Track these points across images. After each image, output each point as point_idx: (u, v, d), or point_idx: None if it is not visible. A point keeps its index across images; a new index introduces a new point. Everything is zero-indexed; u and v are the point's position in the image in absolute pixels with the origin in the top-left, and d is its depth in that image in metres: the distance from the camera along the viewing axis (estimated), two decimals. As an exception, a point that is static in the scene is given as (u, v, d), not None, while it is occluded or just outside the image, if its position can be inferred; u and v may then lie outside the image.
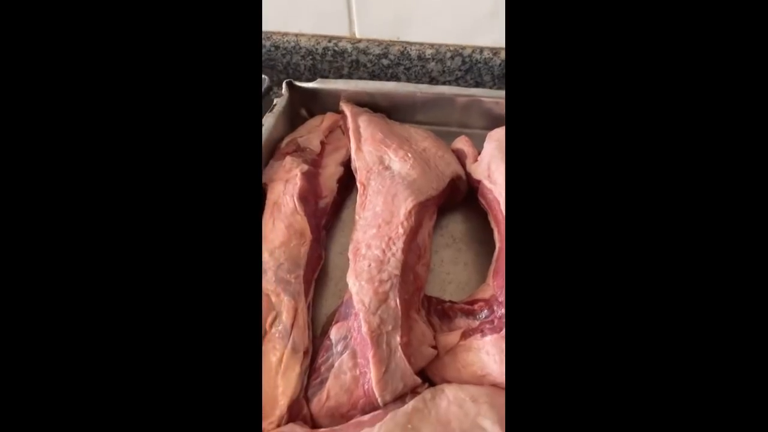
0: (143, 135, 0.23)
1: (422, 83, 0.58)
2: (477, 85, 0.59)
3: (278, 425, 0.35)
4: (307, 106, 0.57)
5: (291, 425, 0.35)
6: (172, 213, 0.23)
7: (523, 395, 0.20)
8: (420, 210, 0.42)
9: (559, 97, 0.22)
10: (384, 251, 0.39)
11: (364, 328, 0.36)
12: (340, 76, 0.61)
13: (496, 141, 0.47)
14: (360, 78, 0.61)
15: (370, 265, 0.39)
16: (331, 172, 0.51)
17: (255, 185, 0.26)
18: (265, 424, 0.36)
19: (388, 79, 0.60)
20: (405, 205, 0.41)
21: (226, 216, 0.23)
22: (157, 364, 0.21)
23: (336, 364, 0.37)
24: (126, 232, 0.22)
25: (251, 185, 0.25)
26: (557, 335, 0.21)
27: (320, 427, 0.37)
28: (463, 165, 0.48)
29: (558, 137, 0.22)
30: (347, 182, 0.52)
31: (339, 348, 0.38)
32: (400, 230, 0.40)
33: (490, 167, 0.45)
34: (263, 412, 0.37)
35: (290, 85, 0.54)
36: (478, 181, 0.46)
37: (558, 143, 0.22)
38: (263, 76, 0.55)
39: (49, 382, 0.20)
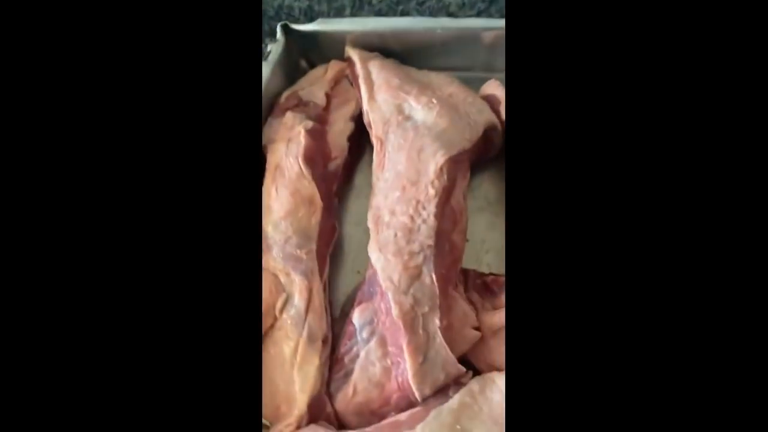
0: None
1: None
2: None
3: (298, 427, 0.30)
4: (307, 55, 0.49)
5: (313, 426, 0.30)
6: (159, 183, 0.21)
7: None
8: (452, 166, 0.35)
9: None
10: (412, 217, 0.33)
11: (395, 311, 0.30)
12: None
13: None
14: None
15: (396, 235, 0.33)
16: (339, 128, 0.44)
17: (254, 149, 0.23)
18: (281, 427, 0.30)
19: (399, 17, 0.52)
20: (434, 160, 0.34)
21: (220, 185, 0.21)
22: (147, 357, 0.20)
23: (362, 354, 0.32)
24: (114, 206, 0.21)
25: (250, 147, 0.23)
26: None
27: (347, 427, 0.31)
28: (497, 113, 0.41)
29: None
30: (360, 141, 0.44)
31: (364, 335, 0.32)
32: (431, 191, 0.33)
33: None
34: (279, 412, 0.31)
35: (286, 29, 0.46)
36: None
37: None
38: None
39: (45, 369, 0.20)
